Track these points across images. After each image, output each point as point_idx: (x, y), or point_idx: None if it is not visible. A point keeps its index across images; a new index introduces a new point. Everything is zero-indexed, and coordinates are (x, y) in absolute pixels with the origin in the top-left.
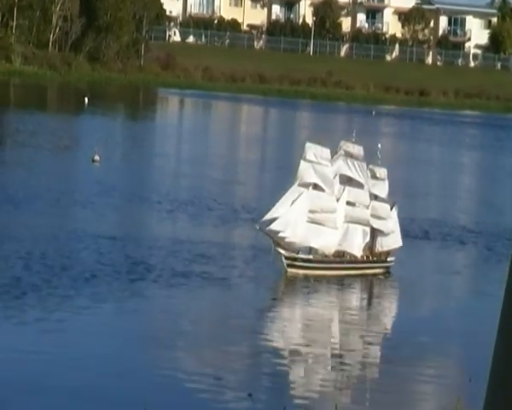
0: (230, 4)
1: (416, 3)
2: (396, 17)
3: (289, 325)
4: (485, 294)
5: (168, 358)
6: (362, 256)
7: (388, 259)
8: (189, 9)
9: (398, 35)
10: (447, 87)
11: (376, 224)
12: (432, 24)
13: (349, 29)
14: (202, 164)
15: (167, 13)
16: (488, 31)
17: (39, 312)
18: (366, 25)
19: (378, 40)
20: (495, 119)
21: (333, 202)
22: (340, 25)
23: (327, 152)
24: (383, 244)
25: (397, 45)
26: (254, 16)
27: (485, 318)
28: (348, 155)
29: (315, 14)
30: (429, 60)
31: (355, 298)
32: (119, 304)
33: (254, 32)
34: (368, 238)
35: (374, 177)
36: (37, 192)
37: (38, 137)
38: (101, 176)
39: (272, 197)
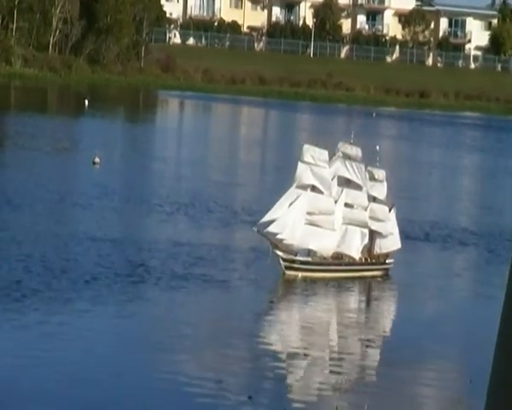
0: (231, 6)
1: (417, 5)
2: (396, 19)
3: (289, 328)
4: (486, 296)
5: (168, 361)
6: (360, 258)
7: (387, 261)
8: (189, 11)
9: (399, 37)
10: (447, 89)
11: (375, 226)
12: (432, 25)
13: (349, 31)
14: (202, 166)
15: (167, 15)
16: (488, 32)
17: (39, 315)
18: (366, 26)
19: (378, 42)
20: (495, 120)
21: (331, 204)
22: (340, 26)
23: (324, 154)
24: (382, 246)
25: (397, 47)
26: (254, 18)
27: (486, 320)
28: (346, 156)
29: (315, 15)
30: (429, 61)
31: (354, 300)
32: (119, 307)
33: (254, 33)
34: (366, 240)
35: (372, 178)
36: (37, 195)
37: (39, 139)
38: (102, 178)
39: (272, 199)
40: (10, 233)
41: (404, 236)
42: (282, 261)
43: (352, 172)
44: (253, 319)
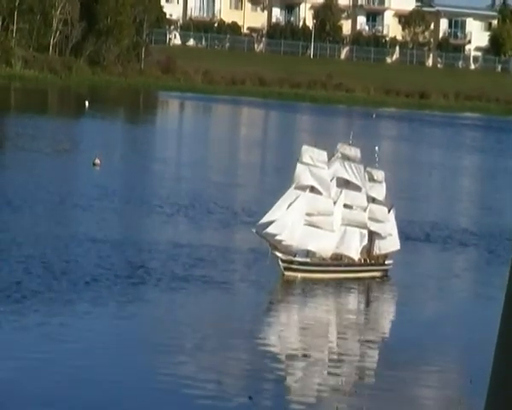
0: (231, 7)
1: (417, 6)
2: (396, 20)
3: (289, 329)
4: (486, 296)
5: (168, 361)
6: (359, 259)
7: (386, 262)
8: (189, 13)
9: (399, 38)
10: (447, 89)
11: (374, 227)
12: (432, 26)
13: (349, 32)
14: (202, 167)
15: (167, 16)
16: (488, 33)
17: (39, 316)
18: (366, 27)
19: (378, 43)
20: (495, 121)
21: (330, 205)
22: (340, 27)
23: (323, 155)
24: (381, 247)
25: (397, 48)
26: (254, 19)
27: (486, 320)
28: (345, 157)
29: (315, 16)
30: (429, 62)
31: (354, 301)
32: (119, 308)
33: (254, 35)
34: (365, 241)
35: (371, 179)
36: (37, 196)
37: (39, 140)
38: (102, 180)
39: (272, 200)
40: (10, 234)
41: (405, 236)
42: (280, 262)
43: (351, 173)
44: (253, 320)
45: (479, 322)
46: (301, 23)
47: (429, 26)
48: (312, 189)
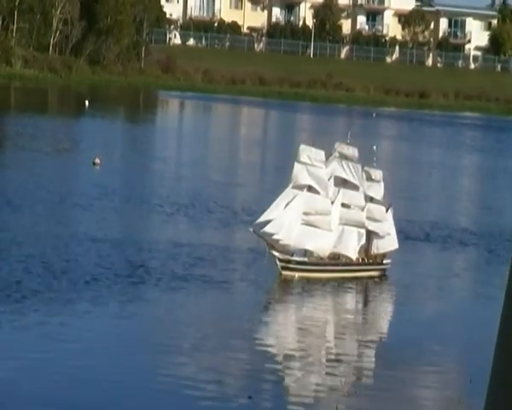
0: (231, 7)
1: (416, 5)
2: (396, 19)
3: (288, 329)
4: (486, 296)
5: (168, 361)
6: (357, 259)
7: (384, 261)
8: (189, 12)
9: (399, 37)
10: (447, 89)
11: (372, 226)
12: (432, 26)
13: (349, 31)
14: (203, 167)
15: (167, 16)
16: (488, 33)
17: (39, 315)
18: (366, 27)
19: (378, 42)
20: (495, 121)
21: (327, 204)
22: (340, 27)
23: (321, 154)
24: (379, 247)
25: (397, 47)
26: (254, 19)
27: (486, 320)
28: (343, 156)
29: (315, 16)
30: (429, 62)
31: (354, 301)
32: (119, 308)
33: (254, 34)
34: (363, 241)
35: (369, 179)
36: (37, 195)
37: (39, 140)
38: (102, 179)
39: (272, 200)
40: (10, 234)
41: (404, 236)
42: (278, 262)
43: (349, 172)
44: (253, 320)
45: (478, 321)
46: (301, 22)
47: (429, 25)
48: (310, 188)
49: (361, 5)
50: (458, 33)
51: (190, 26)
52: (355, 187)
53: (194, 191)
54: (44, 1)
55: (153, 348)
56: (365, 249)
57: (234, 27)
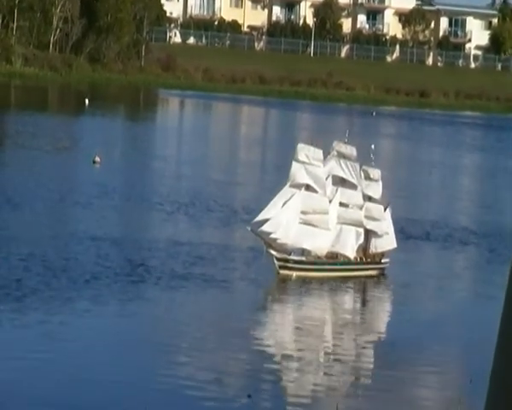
0: (231, 5)
1: (417, 4)
2: (396, 18)
3: (287, 328)
4: (486, 296)
5: (168, 360)
6: (355, 258)
7: (382, 260)
8: (189, 11)
9: (399, 36)
10: (448, 88)
11: (370, 225)
12: (432, 25)
13: (349, 30)
14: (203, 165)
15: (168, 14)
16: (489, 32)
17: (39, 314)
18: (367, 26)
19: (378, 41)
20: (495, 120)
21: (325, 203)
22: (340, 26)
23: (319, 153)
24: (377, 246)
25: (397, 46)
26: (255, 17)
27: (486, 319)
28: (341, 155)
29: (315, 15)
30: (430, 61)
31: (354, 300)
32: (119, 306)
33: (255, 33)
34: (361, 240)
35: (367, 178)
36: (37, 194)
37: (39, 138)
38: (102, 177)
39: (272, 199)
40: (10, 232)
41: (405, 235)
42: (275, 261)
43: (347, 171)
44: (252, 319)
45: (479, 321)
46: (301, 21)
47: (429, 24)
48: (308, 187)
49: (361, 4)
50: (459, 32)
51: (190, 25)
52: (353, 186)
53: (195, 190)
54: None
55: (153, 348)
56: (363, 248)
57: (234, 26)
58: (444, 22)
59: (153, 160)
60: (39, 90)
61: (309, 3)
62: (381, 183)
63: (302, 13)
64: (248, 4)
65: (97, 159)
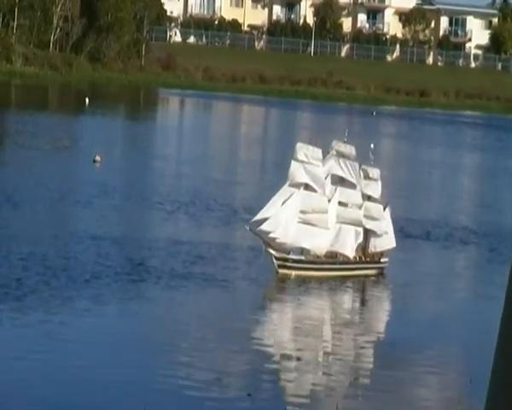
0: (231, 5)
1: (417, 4)
2: (397, 17)
3: (288, 327)
4: (487, 295)
5: (168, 359)
6: (354, 257)
7: (382, 260)
8: (189, 10)
9: (399, 35)
10: (448, 88)
11: (369, 224)
12: (432, 24)
13: (350, 29)
14: (203, 165)
15: (168, 13)
16: (489, 31)
17: (39, 313)
18: (367, 25)
19: (379, 40)
20: (496, 119)
21: (324, 203)
22: (340, 25)
23: (318, 152)
24: (376, 245)
25: (397, 46)
26: (255, 17)
27: (486, 319)
28: (340, 154)
29: (316, 14)
30: (430, 60)
31: (350, 299)
32: (119, 306)
33: (255, 32)
34: (360, 239)
35: (367, 177)
36: (37, 193)
37: (39, 137)
38: (102, 176)
39: (271, 198)
40: (10, 231)
41: (405, 234)
42: (274, 260)
43: (346, 170)
44: (252, 319)
45: (479, 321)
46: (302, 21)
47: (430, 24)
48: (307, 186)
49: (361, 3)
50: (459, 32)
51: (191, 24)
52: (352, 185)
53: (195, 189)
54: None
55: (153, 347)
56: (362, 248)
57: (234, 25)
58: (444, 22)
59: (153, 159)
60: (39, 89)
61: (309, 3)
62: (380, 182)
63: (302, 12)
64: (249, 3)
65: (97, 158)
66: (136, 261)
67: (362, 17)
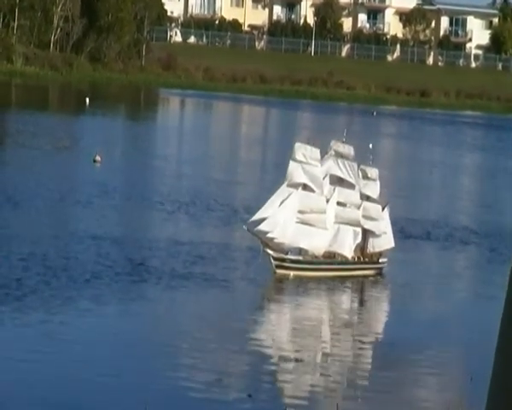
0: (232, 5)
1: (417, 4)
2: (397, 17)
3: (287, 328)
4: (487, 295)
5: (168, 359)
6: (353, 257)
7: (380, 260)
8: (190, 10)
9: (400, 35)
10: (448, 88)
11: (368, 225)
12: (433, 24)
13: (350, 29)
14: (203, 165)
15: (168, 13)
16: (489, 31)
17: (39, 313)
18: (367, 25)
19: (379, 40)
20: (496, 119)
21: (322, 203)
22: (341, 25)
23: (316, 152)
24: (375, 245)
25: (398, 46)
26: (255, 17)
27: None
28: (338, 155)
29: (316, 14)
30: (430, 60)
31: (348, 300)
32: (119, 306)
33: (255, 32)
34: (359, 239)
35: (365, 177)
36: (37, 193)
37: (39, 137)
38: (103, 176)
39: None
40: (10, 231)
41: (405, 234)
42: (272, 260)
43: (345, 170)
44: (252, 319)
45: (479, 321)
46: (302, 20)
47: (430, 24)
48: (305, 186)
49: (362, 3)
50: (459, 32)
51: (191, 24)
52: (351, 185)
53: (195, 189)
54: None
55: (153, 347)
56: (361, 248)
57: (235, 25)
58: (444, 22)
59: (153, 159)
60: (40, 89)
61: (309, 3)
62: (378, 182)
63: (303, 12)
64: (249, 3)
65: (98, 158)
66: (137, 261)
67: (362, 17)
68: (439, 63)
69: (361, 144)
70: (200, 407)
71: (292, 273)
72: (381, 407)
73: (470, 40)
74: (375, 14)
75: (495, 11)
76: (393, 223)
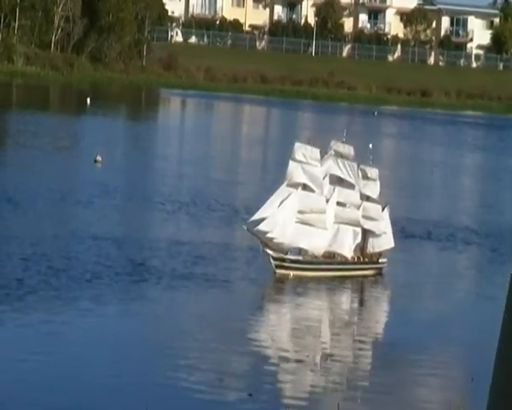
0: (232, 5)
1: (418, 4)
2: (398, 17)
3: (288, 328)
4: (488, 295)
5: (169, 359)
6: (353, 257)
7: (380, 260)
8: (191, 10)
9: (400, 35)
10: (449, 88)
11: (368, 225)
12: (434, 24)
13: (351, 29)
14: (204, 165)
15: (169, 13)
16: (490, 31)
17: (40, 313)
18: (368, 25)
19: (380, 41)
20: (497, 119)
21: (322, 203)
22: (342, 25)
23: (316, 152)
24: (375, 245)
25: (399, 46)
26: (256, 17)
27: (487, 319)
28: (338, 154)
29: (317, 14)
30: (431, 60)
31: (348, 300)
32: (119, 306)
33: (256, 32)
34: (359, 239)
35: (365, 177)
36: (38, 193)
37: (40, 137)
38: (104, 177)
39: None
40: (11, 231)
41: (406, 234)
42: (272, 260)
43: (344, 170)
44: (253, 319)
45: (480, 321)
46: (303, 21)
47: (431, 24)
48: (305, 186)
49: (363, 3)
50: (460, 32)
51: (192, 24)
52: (350, 185)
53: (196, 189)
54: None
55: (153, 347)
56: (361, 248)
57: (236, 25)
58: (445, 22)
59: (154, 159)
60: (41, 89)
61: (310, 3)
62: (378, 182)
63: (304, 12)
64: (250, 3)
65: (99, 158)
66: (138, 262)
67: (363, 17)
68: (440, 63)
69: (361, 144)
70: (201, 407)
71: (292, 273)
72: (381, 408)
73: (471, 40)
74: (375, 14)
75: (496, 11)
76: (394, 223)
